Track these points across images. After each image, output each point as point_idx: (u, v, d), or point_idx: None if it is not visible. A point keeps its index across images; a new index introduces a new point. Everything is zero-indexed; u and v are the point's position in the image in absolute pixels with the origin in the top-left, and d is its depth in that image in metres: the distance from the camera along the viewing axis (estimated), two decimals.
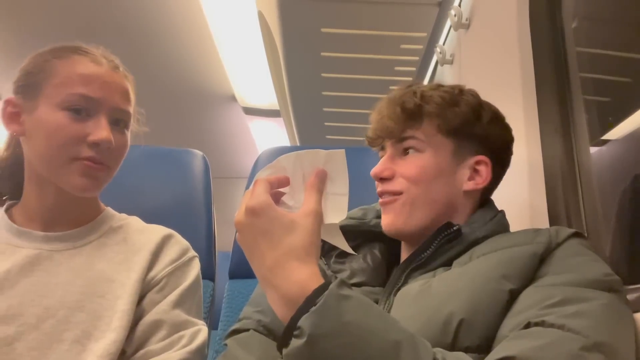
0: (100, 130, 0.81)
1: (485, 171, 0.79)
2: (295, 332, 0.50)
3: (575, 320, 0.53)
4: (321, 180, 0.62)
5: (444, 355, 0.52)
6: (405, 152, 0.79)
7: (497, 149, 0.82)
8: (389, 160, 0.79)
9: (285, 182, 0.63)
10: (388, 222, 0.78)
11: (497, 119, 0.82)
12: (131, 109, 0.88)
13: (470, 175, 0.79)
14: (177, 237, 0.93)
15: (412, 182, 0.76)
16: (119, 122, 0.86)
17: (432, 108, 0.78)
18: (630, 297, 0.63)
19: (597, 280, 0.60)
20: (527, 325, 0.55)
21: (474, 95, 0.82)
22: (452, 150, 0.79)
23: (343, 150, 0.63)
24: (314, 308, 0.50)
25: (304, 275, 0.54)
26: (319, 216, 0.59)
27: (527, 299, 0.60)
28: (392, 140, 0.80)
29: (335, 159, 0.63)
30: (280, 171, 0.64)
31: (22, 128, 0.84)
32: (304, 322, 0.50)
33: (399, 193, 0.77)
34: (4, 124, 0.85)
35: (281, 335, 0.52)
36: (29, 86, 0.83)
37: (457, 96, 0.80)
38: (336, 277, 0.74)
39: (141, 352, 0.79)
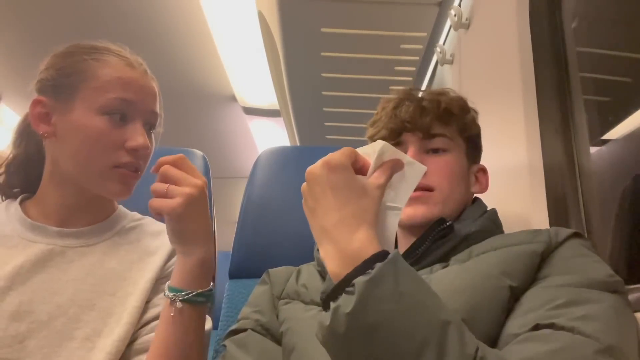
0: (138, 136, 0.82)
1: (484, 179, 0.86)
2: (348, 289, 0.50)
3: (586, 323, 0.53)
4: (394, 170, 0.60)
5: (484, 350, 0.51)
6: (431, 149, 0.82)
7: (480, 158, 0.89)
8: (418, 155, 0.81)
9: (365, 169, 0.60)
10: (422, 211, 0.78)
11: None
12: (159, 111, 0.89)
13: (473, 181, 0.86)
14: None
15: (445, 179, 0.80)
16: (150, 125, 0.87)
17: (457, 110, 0.83)
18: (630, 297, 0.63)
19: (601, 282, 0.60)
20: (536, 327, 0.55)
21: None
22: (466, 154, 0.84)
23: (425, 168, 0.62)
24: (372, 271, 0.49)
25: (367, 237, 0.54)
26: (383, 192, 0.59)
27: (532, 300, 0.60)
28: (419, 134, 0.81)
29: (413, 171, 0.61)
30: (366, 155, 0.61)
31: (52, 129, 0.82)
32: (360, 280, 0.49)
33: (431, 189, 0.79)
34: (33, 125, 0.84)
35: (330, 290, 0.52)
36: (62, 87, 0.82)
37: (467, 104, 0.86)
38: None
39: (151, 325, 0.80)
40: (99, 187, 0.83)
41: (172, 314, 0.72)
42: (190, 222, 0.72)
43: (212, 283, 0.76)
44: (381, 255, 0.51)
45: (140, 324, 0.80)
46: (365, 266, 0.51)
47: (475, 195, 0.87)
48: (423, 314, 0.49)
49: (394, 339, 0.47)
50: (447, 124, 0.82)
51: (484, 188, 0.86)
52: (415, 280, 0.51)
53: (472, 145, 0.86)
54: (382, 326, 0.48)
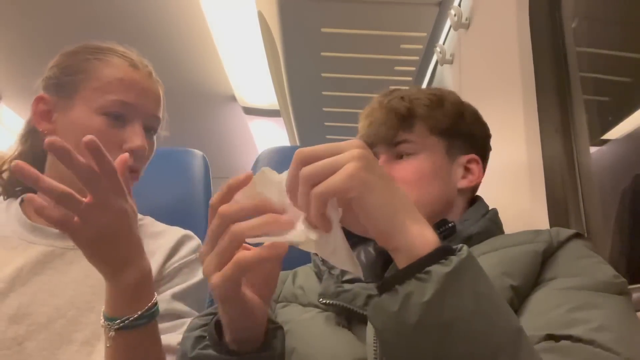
0: (136, 138, 0.81)
1: (476, 169, 0.82)
2: (420, 275, 0.45)
3: (603, 335, 0.53)
4: None
5: None
6: (399, 156, 0.80)
7: (481, 146, 0.85)
8: (385, 165, 0.79)
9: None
10: None
11: (477, 117, 0.86)
12: (161, 115, 0.88)
13: (463, 174, 0.81)
14: (193, 237, 0.93)
15: (411, 185, 0.77)
16: (151, 128, 0.86)
17: (422, 110, 0.80)
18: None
19: (608, 283, 0.60)
20: (552, 337, 0.54)
21: (455, 95, 0.85)
22: (445, 150, 0.81)
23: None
24: (450, 262, 0.45)
25: (431, 228, 0.50)
26: None
27: (542, 302, 0.60)
28: (385, 145, 0.80)
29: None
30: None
31: (53, 127, 0.83)
32: (438, 270, 0.44)
33: None
34: (34, 122, 0.85)
35: (395, 272, 0.47)
36: (65, 85, 0.82)
37: (441, 97, 0.82)
38: (332, 273, 0.74)
39: None
40: None
41: (107, 345, 0.64)
42: (108, 248, 0.62)
43: (153, 297, 0.67)
44: (450, 248, 0.47)
45: None
46: (439, 254, 0.46)
47: (476, 194, 0.86)
48: (500, 318, 0.46)
49: (469, 340, 0.44)
50: (409, 128, 0.79)
51: (476, 178, 0.81)
52: (489, 281, 0.48)
53: (454, 138, 0.81)
54: (459, 324, 0.44)
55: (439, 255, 0.46)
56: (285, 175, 0.50)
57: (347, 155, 0.47)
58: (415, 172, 0.78)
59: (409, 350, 0.45)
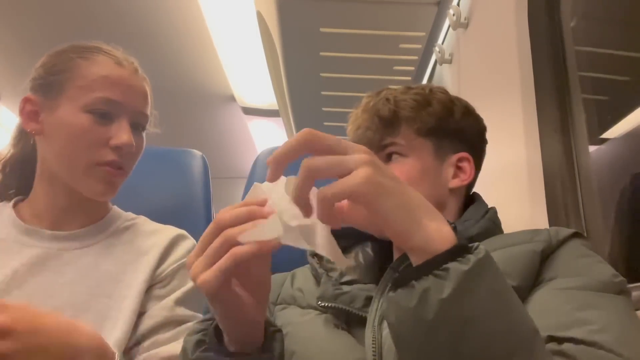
0: (123, 134, 0.81)
1: (468, 167, 0.81)
2: (437, 272, 0.45)
3: (604, 336, 0.53)
4: None
5: None
6: (387, 159, 0.79)
7: (474, 141, 0.83)
8: None
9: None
10: None
11: (469, 111, 0.84)
12: (149, 112, 0.88)
13: (454, 172, 0.80)
14: (188, 237, 0.93)
15: None
16: (138, 125, 0.86)
17: (407, 112, 0.79)
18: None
19: (608, 283, 0.60)
20: (554, 338, 0.54)
21: (444, 92, 0.83)
22: (433, 151, 0.79)
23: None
24: (469, 261, 0.45)
25: (448, 224, 0.50)
26: None
27: (542, 303, 0.60)
28: (372, 149, 0.79)
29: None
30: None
31: (40, 127, 0.83)
32: (457, 268, 0.44)
33: None
34: (22, 123, 0.85)
35: (412, 267, 0.47)
36: (50, 84, 0.83)
37: (428, 96, 0.81)
38: (330, 276, 0.73)
39: (149, 341, 0.79)
40: (83, 185, 0.83)
41: None
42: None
43: (114, 357, 0.67)
44: (467, 246, 0.47)
45: (137, 335, 0.80)
46: (456, 251, 0.46)
47: (474, 191, 0.86)
48: (517, 318, 0.47)
49: (486, 338, 0.44)
50: (395, 131, 0.78)
51: (467, 177, 0.80)
52: (506, 280, 0.48)
53: (442, 137, 0.80)
54: (476, 322, 0.44)
55: (457, 252, 0.46)
56: (281, 182, 0.49)
57: (356, 159, 0.47)
58: (402, 175, 0.76)
59: (424, 346, 0.45)
